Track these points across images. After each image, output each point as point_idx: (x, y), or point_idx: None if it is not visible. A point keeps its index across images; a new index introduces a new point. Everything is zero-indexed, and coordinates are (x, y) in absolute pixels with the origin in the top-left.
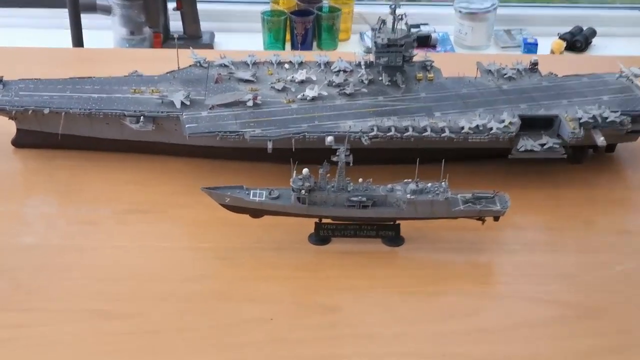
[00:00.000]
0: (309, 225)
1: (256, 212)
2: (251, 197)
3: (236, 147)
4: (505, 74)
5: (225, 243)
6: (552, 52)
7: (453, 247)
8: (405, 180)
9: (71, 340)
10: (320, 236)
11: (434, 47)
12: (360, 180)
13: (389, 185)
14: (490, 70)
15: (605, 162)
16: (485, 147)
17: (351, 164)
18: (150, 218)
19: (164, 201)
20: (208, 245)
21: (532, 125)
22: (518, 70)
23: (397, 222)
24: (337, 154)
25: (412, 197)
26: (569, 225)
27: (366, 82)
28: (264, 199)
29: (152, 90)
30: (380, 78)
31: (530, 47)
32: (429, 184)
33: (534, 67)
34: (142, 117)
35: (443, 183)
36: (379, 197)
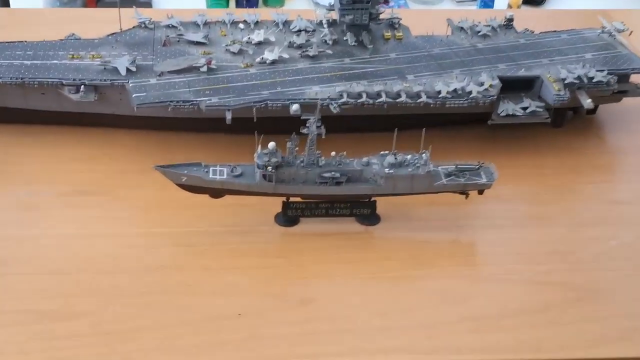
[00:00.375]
0: (276, 204)
1: (217, 192)
2: (211, 175)
3: (191, 118)
4: (479, 32)
5: (183, 227)
6: (510, 5)
7: (434, 225)
8: (382, 153)
9: (12, 349)
10: (289, 216)
11: (386, 2)
12: (333, 153)
13: (365, 159)
14: (462, 28)
15: (587, 125)
16: (464, 112)
17: (323, 136)
18: (99, 200)
19: (113, 181)
20: (165, 231)
21: (511, 87)
22: (492, 27)
23: (373, 198)
24: (307, 125)
25: (391, 171)
26: (557, 197)
27: (330, 42)
28: (225, 177)
29: (93, 56)
30: (345, 38)
31: (487, 1)
32: (408, 156)
33: (509, 23)
34: (82, 87)
35: (424, 154)
36: (353, 172)
